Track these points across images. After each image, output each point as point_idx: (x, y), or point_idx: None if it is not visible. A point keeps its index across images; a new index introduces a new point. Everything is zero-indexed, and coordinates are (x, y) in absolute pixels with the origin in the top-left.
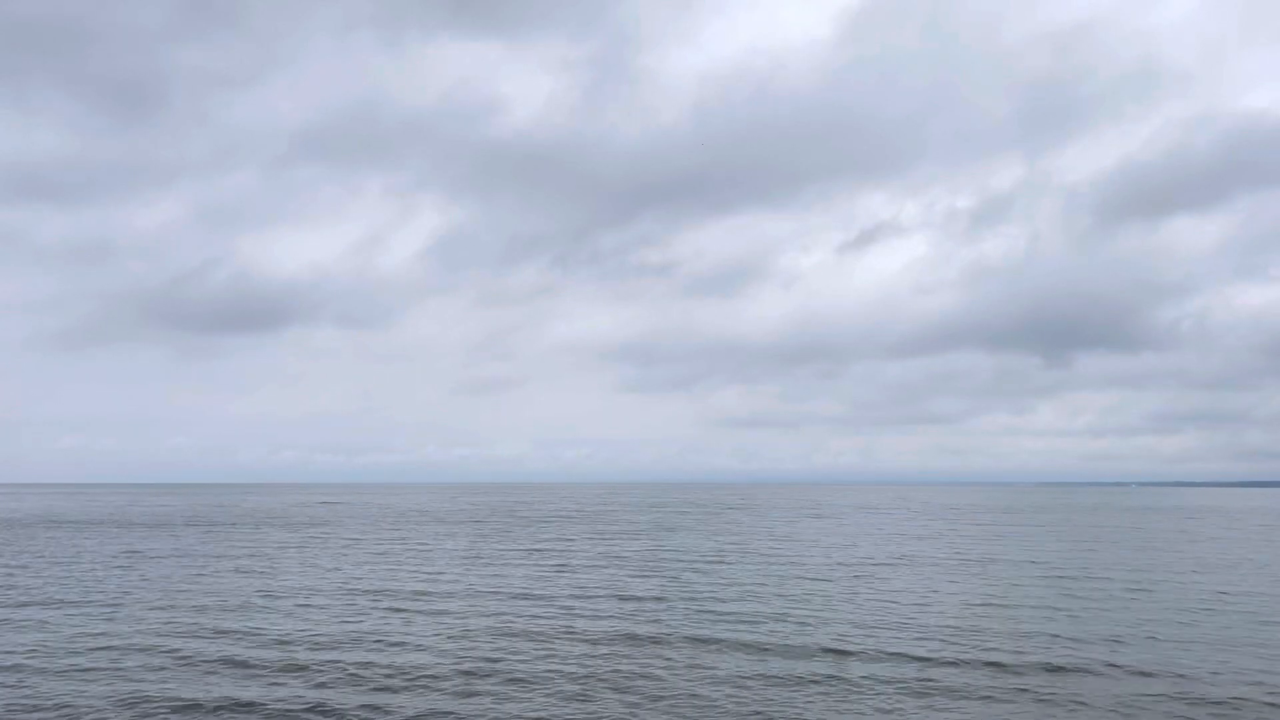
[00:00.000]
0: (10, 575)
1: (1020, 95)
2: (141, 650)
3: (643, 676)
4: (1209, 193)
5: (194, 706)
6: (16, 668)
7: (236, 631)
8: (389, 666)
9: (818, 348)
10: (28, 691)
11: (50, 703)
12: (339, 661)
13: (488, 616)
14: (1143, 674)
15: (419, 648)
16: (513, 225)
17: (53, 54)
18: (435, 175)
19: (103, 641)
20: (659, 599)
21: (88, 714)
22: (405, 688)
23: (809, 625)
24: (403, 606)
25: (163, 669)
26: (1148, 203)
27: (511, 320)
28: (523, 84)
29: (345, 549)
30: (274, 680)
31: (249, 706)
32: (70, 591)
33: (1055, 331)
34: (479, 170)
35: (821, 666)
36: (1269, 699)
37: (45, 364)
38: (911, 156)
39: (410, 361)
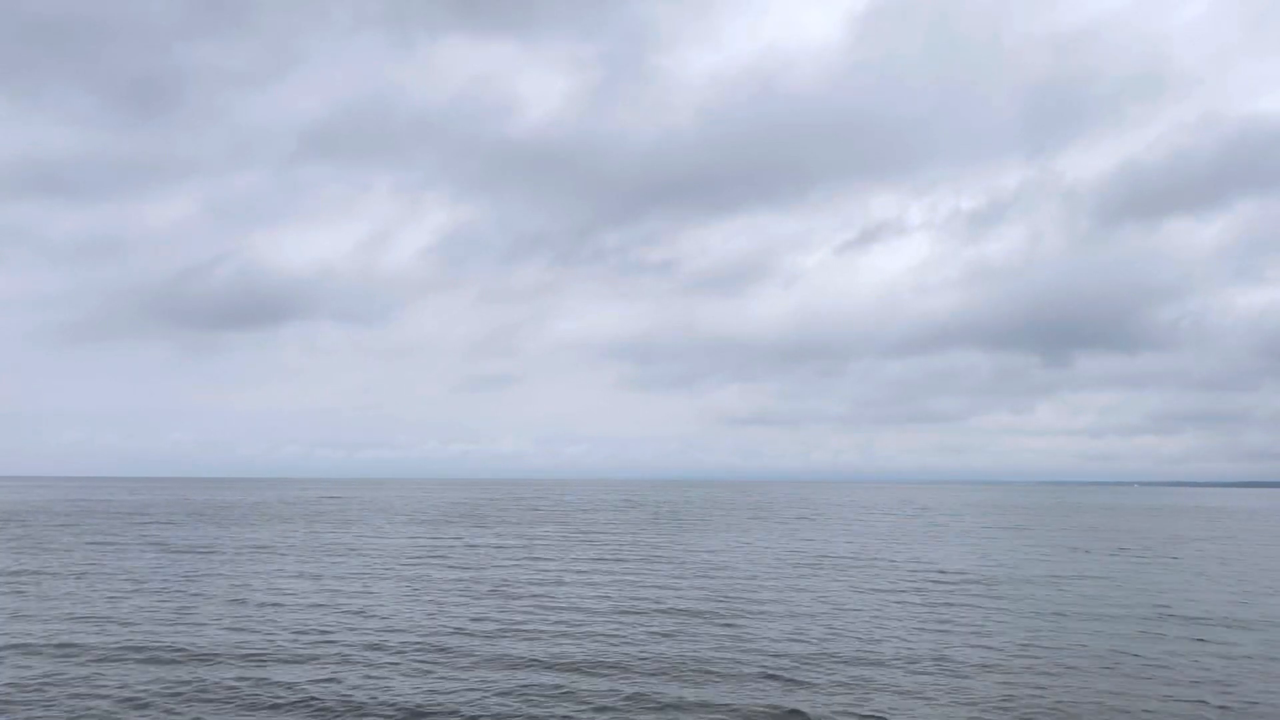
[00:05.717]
0: None
1: (1025, 97)
2: None
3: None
4: (1209, 195)
5: None
6: None
7: None
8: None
9: (818, 346)
10: None
11: None
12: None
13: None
14: None
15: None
16: (517, 223)
17: (67, 51)
18: (444, 173)
19: None
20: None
21: None
22: None
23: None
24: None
25: None
26: (1148, 204)
27: (514, 317)
28: (534, 82)
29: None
30: None
31: None
32: None
33: (1055, 331)
34: (487, 168)
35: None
36: None
37: (51, 358)
38: (917, 157)
39: (412, 358)
